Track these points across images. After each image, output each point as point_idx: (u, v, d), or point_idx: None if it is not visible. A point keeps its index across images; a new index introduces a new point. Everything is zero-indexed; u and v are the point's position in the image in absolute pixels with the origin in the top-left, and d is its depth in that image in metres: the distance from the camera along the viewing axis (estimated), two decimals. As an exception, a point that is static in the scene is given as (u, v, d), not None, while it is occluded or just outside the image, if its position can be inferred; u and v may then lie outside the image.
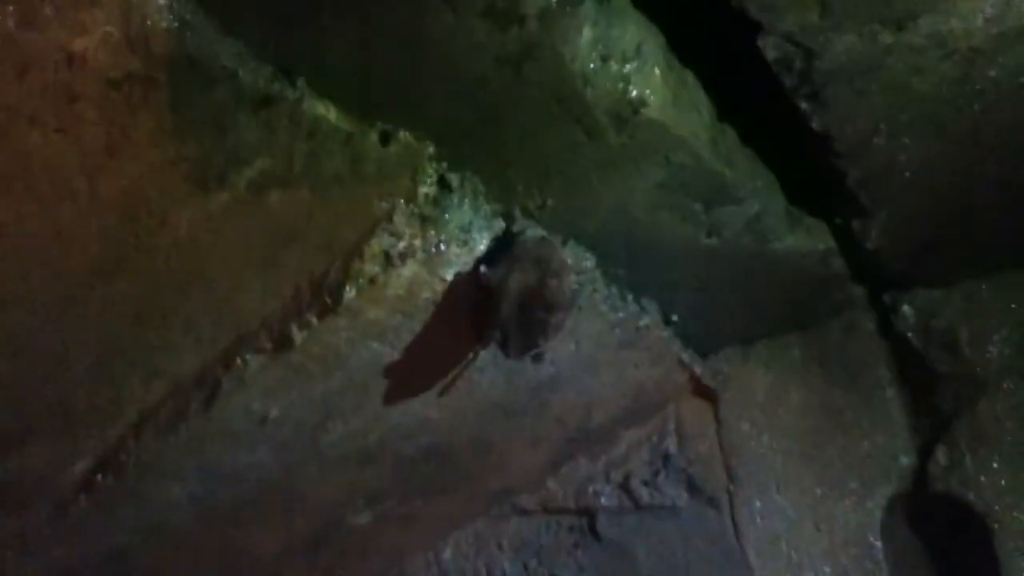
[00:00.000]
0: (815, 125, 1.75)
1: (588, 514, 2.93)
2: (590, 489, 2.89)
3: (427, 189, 1.71)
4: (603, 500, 2.87)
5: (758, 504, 2.62)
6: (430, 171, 1.70)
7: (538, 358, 1.80)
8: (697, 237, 2.05)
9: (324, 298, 1.77)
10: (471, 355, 2.07)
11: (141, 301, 1.65)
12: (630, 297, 2.25)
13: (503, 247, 1.85)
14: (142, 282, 1.62)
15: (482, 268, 1.83)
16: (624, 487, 2.83)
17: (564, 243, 1.97)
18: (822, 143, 1.80)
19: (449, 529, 3.06)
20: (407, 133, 1.61)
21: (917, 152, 1.85)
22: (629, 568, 2.85)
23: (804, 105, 1.70)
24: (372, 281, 1.76)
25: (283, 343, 1.83)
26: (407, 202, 1.70)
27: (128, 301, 1.64)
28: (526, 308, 1.77)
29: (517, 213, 1.87)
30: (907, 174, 1.90)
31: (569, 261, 1.94)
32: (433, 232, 1.75)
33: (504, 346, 1.80)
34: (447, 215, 1.76)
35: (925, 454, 2.43)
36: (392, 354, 2.00)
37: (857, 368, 2.56)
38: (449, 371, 2.14)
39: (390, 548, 2.98)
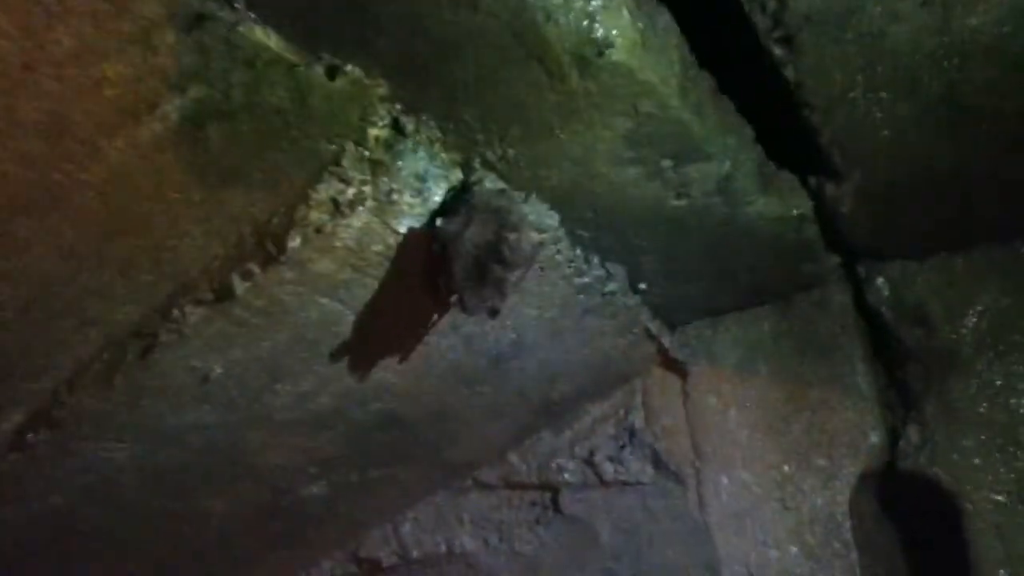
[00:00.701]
0: (789, 74, 1.67)
1: (551, 489, 2.86)
2: (554, 464, 2.82)
3: (379, 132, 1.62)
4: (567, 475, 2.80)
5: (724, 480, 2.56)
6: (382, 112, 1.60)
7: (493, 314, 1.71)
8: (665, 197, 1.96)
9: (268, 246, 1.68)
10: (432, 318, 1.99)
11: (72, 240, 1.55)
12: (596, 260, 2.17)
13: (460, 199, 1.76)
14: (72, 219, 1.51)
15: (438, 221, 1.75)
16: (589, 462, 2.77)
17: (526, 198, 1.88)
18: (796, 95, 1.72)
19: (407, 501, 2.98)
20: (357, 68, 1.51)
21: (894, 110, 1.77)
22: (591, 544, 2.78)
23: (778, 51, 1.62)
24: (319, 230, 1.67)
25: (224, 294, 1.73)
26: (357, 145, 1.61)
27: (57, 239, 1.54)
28: (482, 263, 1.69)
29: (476, 163, 1.78)
30: (884, 133, 1.82)
31: (531, 217, 1.86)
32: (385, 179, 1.66)
33: (460, 302, 1.71)
34: (400, 162, 1.67)
35: (895, 431, 2.37)
36: (343, 312, 1.91)
37: (828, 342, 2.49)
38: (405, 332, 2.06)
39: (346, 519, 2.90)
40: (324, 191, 1.63)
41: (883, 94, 1.71)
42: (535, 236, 1.80)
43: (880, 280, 2.38)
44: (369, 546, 3.09)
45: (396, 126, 1.64)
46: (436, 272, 1.79)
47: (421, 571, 3.07)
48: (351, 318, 1.94)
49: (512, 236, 1.70)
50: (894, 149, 1.87)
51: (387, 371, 2.17)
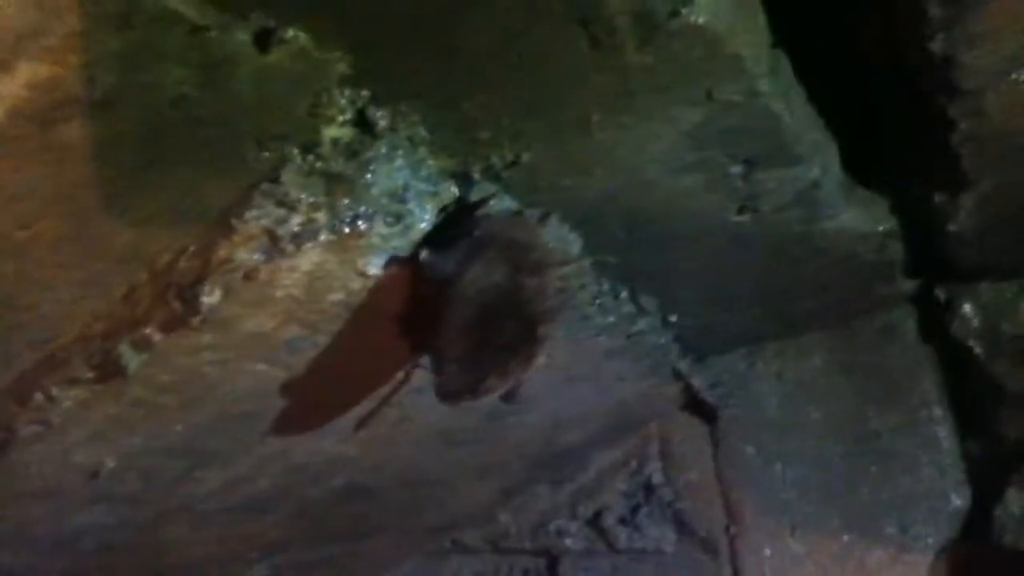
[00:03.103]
0: (937, 46, 1.15)
1: (548, 556, 2.35)
2: (552, 526, 2.31)
3: (336, 131, 1.07)
4: (568, 541, 2.29)
5: (767, 551, 2.09)
6: (342, 102, 1.05)
7: (510, 398, 1.19)
8: (725, 211, 1.46)
9: (172, 303, 1.12)
10: (409, 375, 1.46)
11: None
12: (624, 293, 1.65)
13: (456, 226, 1.22)
14: None
15: (423, 254, 1.20)
16: (595, 525, 2.27)
17: (542, 219, 1.35)
18: (938, 74, 1.20)
19: (375, 573, 2.45)
20: (302, 34, 0.96)
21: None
22: (599, 625, 2.28)
23: (937, 12, 1.10)
24: (249, 276, 1.11)
25: (110, 370, 1.17)
26: (304, 151, 1.06)
27: None
28: (491, 320, 1.16)
29: (476, 174, 1.24)
30: (1036, 127, 1.32)
31: (551, 244, 1.33)
32: (347, 200, 1.11)
33: (443, 379, 1.19)
34: (369, 175, 1.12)
35: (989, 495, 1.90)
36: (287, 378, 1.37)
37: (897, 381, 2.03)
38: (371, 396, 1.53)
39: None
40: (256, 221, 1.08)
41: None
42: (561, 273, 1.27)
43: (967, 306, 1.89)
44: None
45: (363, 122, 1.09)
46: (423, 324, 1.26)
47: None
48: (299, 384, 1.40)
49: (533, 281, 1.18)
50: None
51: (347, 443, 1.65)
